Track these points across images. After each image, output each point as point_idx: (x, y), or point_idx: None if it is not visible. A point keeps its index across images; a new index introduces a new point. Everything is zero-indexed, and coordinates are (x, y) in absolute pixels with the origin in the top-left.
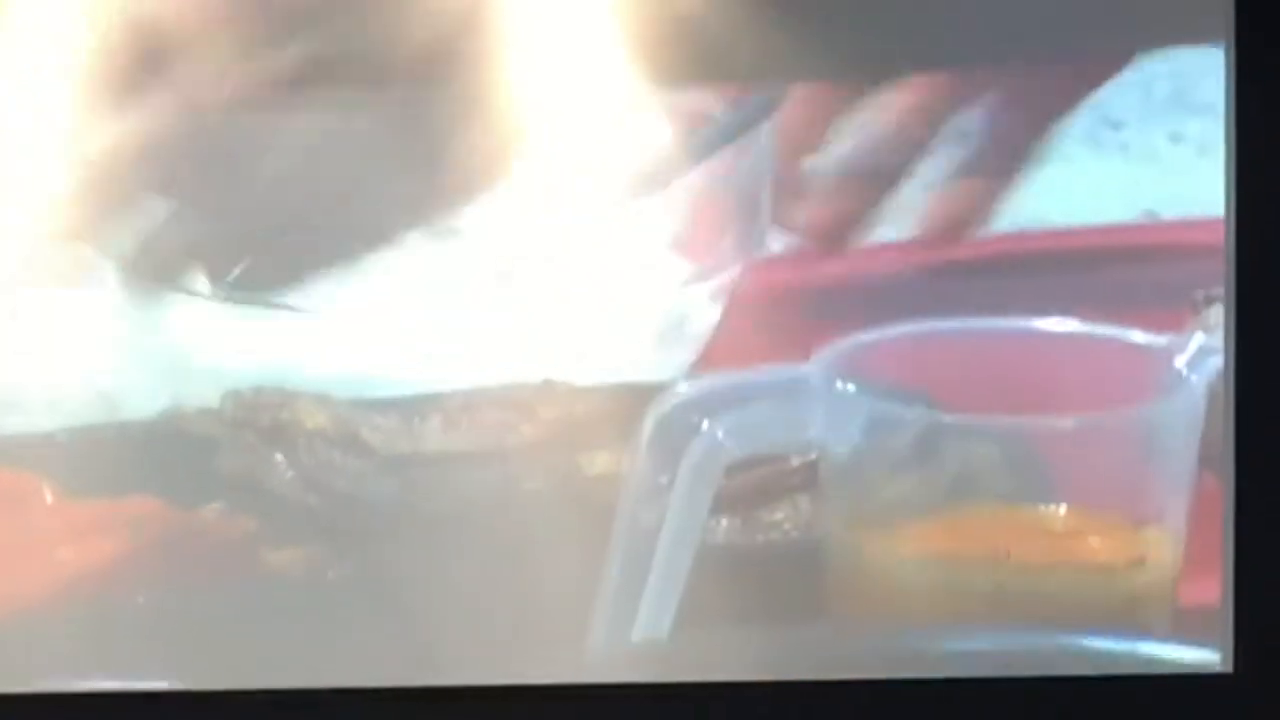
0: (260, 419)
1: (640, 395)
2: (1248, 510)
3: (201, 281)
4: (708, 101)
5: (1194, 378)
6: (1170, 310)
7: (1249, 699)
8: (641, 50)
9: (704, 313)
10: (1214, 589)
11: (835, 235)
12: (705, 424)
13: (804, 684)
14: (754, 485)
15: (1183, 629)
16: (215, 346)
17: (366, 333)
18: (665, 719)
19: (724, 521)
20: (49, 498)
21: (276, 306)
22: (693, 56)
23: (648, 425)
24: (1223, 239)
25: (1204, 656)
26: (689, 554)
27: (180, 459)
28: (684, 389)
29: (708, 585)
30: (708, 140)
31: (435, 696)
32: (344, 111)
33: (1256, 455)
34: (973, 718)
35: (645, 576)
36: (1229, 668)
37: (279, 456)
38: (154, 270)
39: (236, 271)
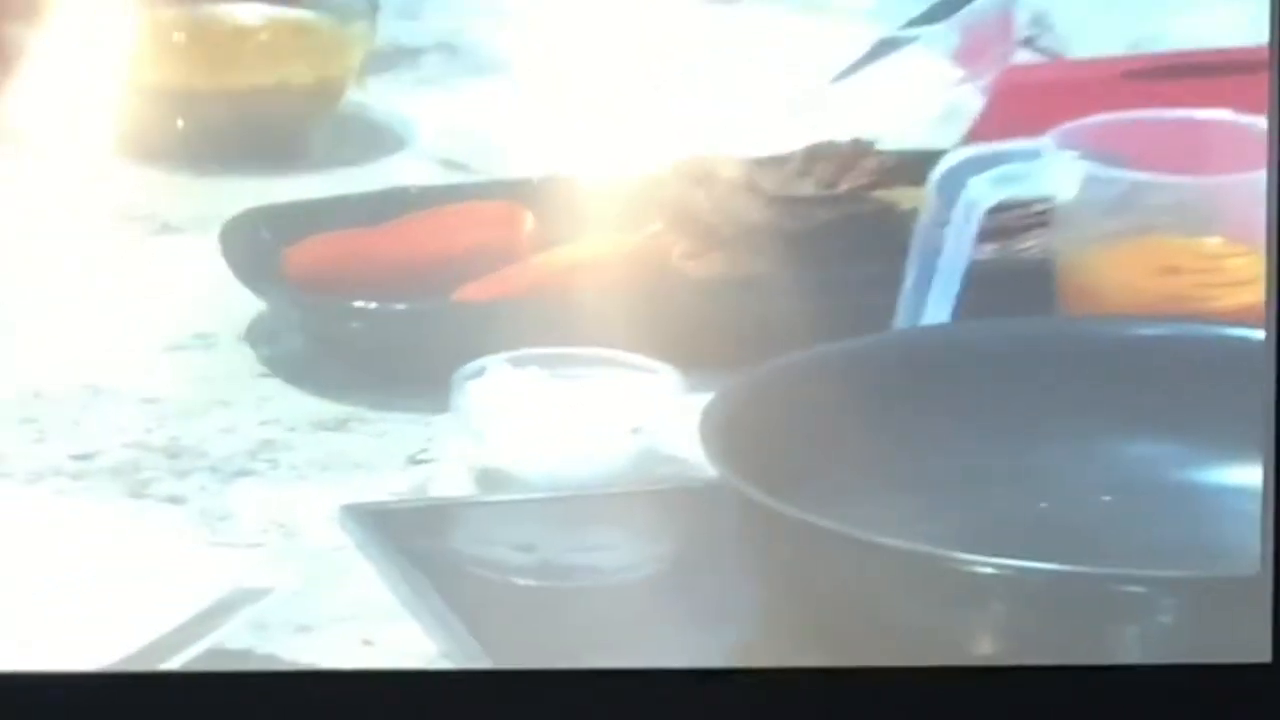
0: (693, 170)
1: (928, 159)
2: None
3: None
4: None
5: None
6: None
7: None
8: None
9: (971, 103)
10: None
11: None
12: (971, 179)
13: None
14: (1007, 222)
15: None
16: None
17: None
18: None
19: (988, 247)
20: (529, 222)
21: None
22: None
23: (932, 180)
24: None
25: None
26: (961, 269)
27: (631, 198)
28: (957, 154)
29: (976, 290)
30: None
31: None
32: None
33: None
34: (1000, 707)
35: (930, 283)
36: (1267, 657)
37: (701, 194)
38: None
39: None
